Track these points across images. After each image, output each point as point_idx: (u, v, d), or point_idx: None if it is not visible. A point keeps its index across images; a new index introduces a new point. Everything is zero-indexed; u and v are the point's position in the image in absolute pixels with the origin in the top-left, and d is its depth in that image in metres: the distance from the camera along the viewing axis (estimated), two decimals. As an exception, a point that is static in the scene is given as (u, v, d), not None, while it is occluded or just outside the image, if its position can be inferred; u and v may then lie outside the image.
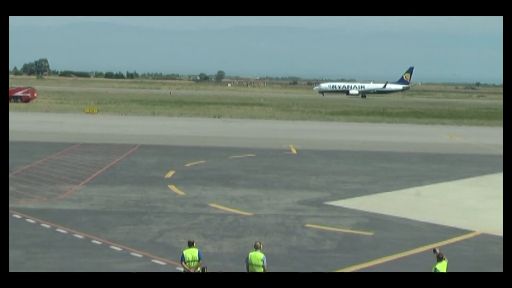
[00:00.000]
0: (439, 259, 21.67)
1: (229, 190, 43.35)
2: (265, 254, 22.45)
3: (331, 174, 51.41)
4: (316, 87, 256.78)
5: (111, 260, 27.43)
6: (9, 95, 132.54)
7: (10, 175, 45.91)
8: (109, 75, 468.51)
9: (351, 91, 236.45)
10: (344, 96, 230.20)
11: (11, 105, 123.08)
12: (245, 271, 22.55)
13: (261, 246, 22.88)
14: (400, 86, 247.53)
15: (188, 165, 53.81)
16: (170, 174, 48.99)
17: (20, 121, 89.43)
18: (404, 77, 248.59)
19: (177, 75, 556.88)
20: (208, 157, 58.84)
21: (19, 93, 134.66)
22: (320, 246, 30.72)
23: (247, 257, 22.44)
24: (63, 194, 40.63)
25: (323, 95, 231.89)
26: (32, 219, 33.84)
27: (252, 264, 22.19)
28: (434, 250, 22.48)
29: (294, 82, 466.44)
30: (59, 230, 31.99)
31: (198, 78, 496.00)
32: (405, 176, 51.66)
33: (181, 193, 42.06)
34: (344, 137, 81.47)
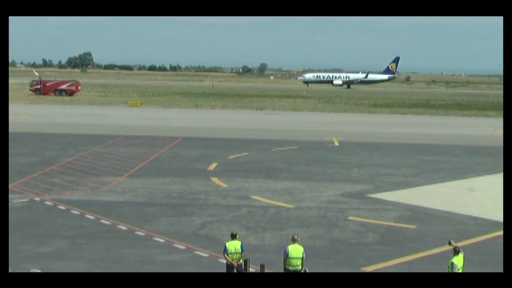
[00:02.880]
0: (456, 252, 21.44)
1: (272, 183, 43.39)
2: (304, 247, 22.51)
3: (374, 166, 51.19)
4: (300, 78, 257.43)
5: (154, 252, 27.65)
6: (54, 88, 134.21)
7: (55, 167, 46.58)
8: (152, 68, 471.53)
9: (335, 81, 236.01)
10: (329, 86, 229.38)
11: (56, 98, 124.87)
12: (283, 265, 22.59)
13: (299, 239, 22.94)
14: (385, 76, 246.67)
15: (230, 157, 53.96)
16: (212, 166, 49.17)
17: (64, 114, 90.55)
18: (390, 67, 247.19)
19: (220, 68, 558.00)
20: (250, 149, 58.94)
21: (63, 87, 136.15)
22: (362, 239, 30.63)
23: (286, 251, 22.41)
24: (107, 186, 41.01)
25: (307, 85, 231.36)
26: (77, 211, 34.23)
27: (292, 258, 22.18)
28: (450, 243, 22.24)
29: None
30: (103, 221, 32.33)
31: (241, 70, 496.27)
32: (448, 168, 51.23)
33: (223, 185, 42.20)
34: (387, 130, 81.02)
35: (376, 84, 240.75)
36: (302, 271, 22.29)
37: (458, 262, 21.10)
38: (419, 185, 44.14)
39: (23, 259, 25.88)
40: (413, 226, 32.99)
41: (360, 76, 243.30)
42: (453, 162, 54.70)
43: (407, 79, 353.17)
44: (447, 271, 21.20)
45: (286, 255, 22.32)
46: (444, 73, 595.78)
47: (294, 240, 22.70)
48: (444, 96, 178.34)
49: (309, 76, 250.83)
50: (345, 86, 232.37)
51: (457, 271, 20.79)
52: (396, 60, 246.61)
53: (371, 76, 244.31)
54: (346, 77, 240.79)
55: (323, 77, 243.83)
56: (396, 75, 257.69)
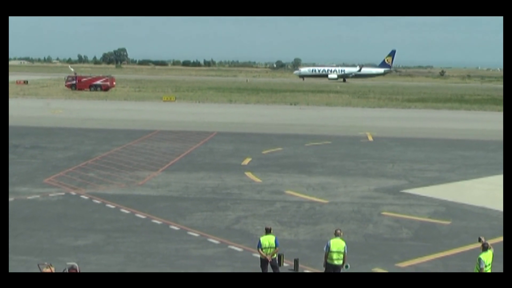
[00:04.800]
0: (484, 248, 21.31)
1: (306, 178, 43.40)
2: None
3: (408, 161, 50.97)
4: (296, 71, 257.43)
5: (188, 246, 27.81)
6: (89, 84, 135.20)
7: (90, 162, 47.00)
8: (186, 63, 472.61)
9: (330, 75, 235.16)
10: (324, 80, 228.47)
11: (91, 93, 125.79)
12: (323, 258, 22.66)
13: (341, 233, 23.01)
14: (381, 70, 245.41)
15: (264, 152, 54.04)
16: (246, 161, 49.30)
17: (99, 109, 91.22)
18: (386, 60, 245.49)
19: (254, 63, 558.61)
20: (284, 144, 58.97)
21: (98, 82, 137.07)
22: (396, 234, 30.57)
23: (327, 244, 22.45)
24: (141, 180, 41.30)
25: (303, 79, 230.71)
26: (112, 205, 34.54)
27: (333, 251, 22.23)
28: (479, 239, 22.13)
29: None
30: (138, 215, 32.59)
31: (275, 65, 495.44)
32: (483, 164, 50.86)
33: (257, 180, 42.29)
34: (421, 124, 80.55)
35: (373, 78, 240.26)
36: (344, 267, 22.27)
37: (486, 259, 20.99)
38: (453, 181, 43.89)
39: (59, 252, 26.19)
40: (447, 222, 32.84)
41: (355, 69, 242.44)
42: (488, 158, 54.26)
43: (442, 73, 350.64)
44: (475, 267, 21.14)
45: (328, 249, 22.33)
46: (479, 68, 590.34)
47: (336, 235, 22.76)
48: (479, 90, 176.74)
49: (304, 70, 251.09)
50: (341, 79, 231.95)
51: (484, 267, 20.71)
52: (392, 54, 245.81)
53: (366, 70, 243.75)
54: (341, 71, 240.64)
55: (319, 71, 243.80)
56: (392, 69, 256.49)
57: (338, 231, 22.96)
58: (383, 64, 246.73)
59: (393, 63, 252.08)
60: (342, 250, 22.29)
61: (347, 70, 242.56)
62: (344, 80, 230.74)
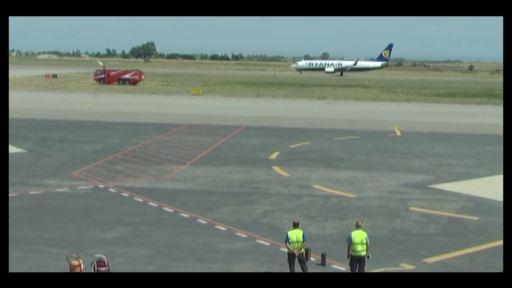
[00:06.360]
0: None
1: (333, 172, 43.37)
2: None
3: (436, 156, 50.74)
4: (293, 65, 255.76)
5: (216, 240, 27.90)
6: (117, 77, 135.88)
7: (118, 155, 47.28)
8: (214, 57, 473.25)
9: (327, 69, 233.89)
10: (321, 73, 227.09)
11: (120, 87, 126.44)
12: (346, 251, 22.75)
13: (363, 225, 23.11)
14: (378, 63, 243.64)
15: (292, 146, 54.05)
16: (274, 155, 49.33)
17: (128, 103, 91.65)
18: (383, 54, 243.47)
19: (282, 57, 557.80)
20: (312, 138, 58.94)
21: (127, 76, 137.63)
22: (424, 229, 30.47)
23: (349, 236, 22.62)
24: (169, 174, 41.47)
25: (300, 72, 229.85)
26: (140, 198, 34.73)
27: (355, 243, 22.39)
28: None
29: (399, 63, 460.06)
30: (165, 208, 32.74)
31: (303, 59, 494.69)
32: (512, 159, 50.39)
33: (285, 174, 42.32)
34: (449, 119, 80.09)
35: (370, 72, 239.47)
36: (366, 256, 22.51)
37: None
38: (482, 176, 43.66)
39: (88, 245, 26.39)
40: (475, 218, 32.68)
41: (352, 63, 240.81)
42: (517, 153, 53.73)
43: (470, 68, 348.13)
44: (501, 263, 21.04)
45: (350, 241, 22.58)
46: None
47: (358, 226, 22.95)
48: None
49: (302, 63, 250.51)
50: (338, 73, 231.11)
51: None
52: (390, 47, 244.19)
53: (364, 63, 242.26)
54: (338, 64, 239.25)
55: (316, 64, 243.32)
56: (388, 62, 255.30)
57: (360, 223, 23.19)
58: (380, 58, 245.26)
59: (390, 56, 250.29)
60: (365, 241, 22.55)
61: (344, 63, 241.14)
62: (341, 74, 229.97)
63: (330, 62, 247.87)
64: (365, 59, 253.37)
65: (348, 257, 22.74)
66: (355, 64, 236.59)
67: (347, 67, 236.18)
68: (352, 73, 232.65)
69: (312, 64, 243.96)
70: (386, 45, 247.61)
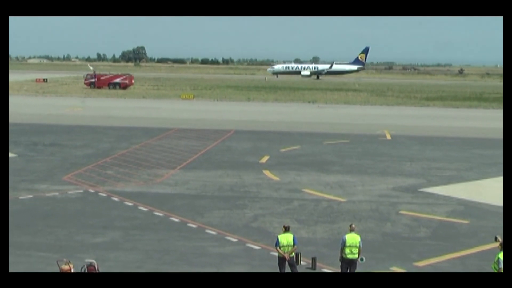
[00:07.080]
0: (502, 247, 21.22)
1: (323, 176, 43.38)
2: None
3: (426, 160, 50.81)
4: (269, 69, 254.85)
5: (206, 244, 27.86)
6: (108, 82, 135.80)
7: (108, 159, 47.19)
8: (204, 61, 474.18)
9: (303, 72, 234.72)
10: (297, 77, 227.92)
11: (110, 91, 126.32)
12: (339, 254, 22.80)
13: (356, 228, 23.24)
14: (355, 67, 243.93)
15: (282, 150, 54.05)
16: (264, 159, 49.32)
17: (118, 107, 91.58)
18: (359, 57, 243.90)
19: (272, 61, 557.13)
20: (302, 142, 58.96)
21: (117, 80, 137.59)
22: (414, 233, 30.49)
23: (343, 240, 22.71)
24: (159, 178, 41.42)
25: (277, 76, 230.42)
26: (130, 202, 34.66)
27: (349, 246, 22.48)
28: (496, 238, 22.06)
29: (389, 67, 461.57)
30: (156, 213, 32.67)
31: (293, 63, 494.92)
32: (501, 163, 50.48)
33: (275, 178, 42.31)
34: (440, 123, 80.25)
35: (349, 75, 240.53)
36: (359, 259, 22.61)
37: None
38: (472, 180, 43.71)
39: (78, 249, 26.31)
40: (466, 221, 32.72)
41: (327, 66, 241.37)
42: (507, 157, 53.85)
43: (460, 71, 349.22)
44: (492, 267, 21.10)
45: (343, 244, 22.69)
46: (498, 66, 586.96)
47: (351, 229, 22.98)
48: (499, 89, 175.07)
49: (277, 67, 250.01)
50: (314, 77, 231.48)
51: (502, 267, 20.65)
52: (366, 51, 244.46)
53: (339, 67, 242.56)
54: (314, 68, 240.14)
55: (292, 68, 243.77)
56: (364, 65, 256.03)
57: (353, 226, 23.34)
58: (356, 61, 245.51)
59: (366, 60, 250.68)
60: (357, 244, 22.69)
61: (320, 67, 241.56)
62: (318, 77, 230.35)
63: (306, 65, 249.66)
64: (341, 63, 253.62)
65: (340, 260, 22.84)
66: (331, 67, 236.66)
67: (323, 70, 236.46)
68: (328, 77, 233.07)
69: (288, 68, 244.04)
70: (362, 49, 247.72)
